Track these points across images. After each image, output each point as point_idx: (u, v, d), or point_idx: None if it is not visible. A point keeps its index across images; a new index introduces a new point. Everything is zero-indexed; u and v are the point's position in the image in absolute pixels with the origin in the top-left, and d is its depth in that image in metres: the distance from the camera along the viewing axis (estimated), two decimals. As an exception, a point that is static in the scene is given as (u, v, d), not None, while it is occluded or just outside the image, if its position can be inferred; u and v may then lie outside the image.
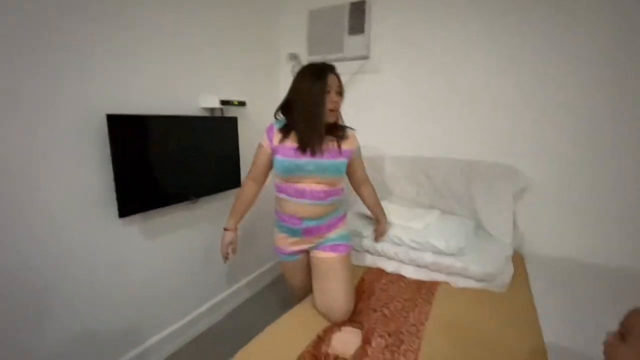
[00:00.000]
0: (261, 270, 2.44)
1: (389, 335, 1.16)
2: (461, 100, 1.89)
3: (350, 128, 1.43)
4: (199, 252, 1.90)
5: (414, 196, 1.98)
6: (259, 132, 2.10)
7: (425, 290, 1.46)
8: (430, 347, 1.11)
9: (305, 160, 1.29)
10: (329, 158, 1.32)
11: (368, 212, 1.71)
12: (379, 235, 1.65)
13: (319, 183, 1.32)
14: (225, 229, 1.45)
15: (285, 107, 1.36)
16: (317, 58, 2.19)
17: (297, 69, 2.29)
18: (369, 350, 1.09)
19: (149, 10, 1.50)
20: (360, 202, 1.66)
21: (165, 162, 1.57)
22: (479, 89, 1.84)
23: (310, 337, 1.16)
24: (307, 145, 1.28)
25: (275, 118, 1.40)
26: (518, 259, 1.71)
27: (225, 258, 1.46)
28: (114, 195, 1.38)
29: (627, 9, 1.50)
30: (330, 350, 1.09)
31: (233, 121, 1.95)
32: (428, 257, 1.55)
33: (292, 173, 1.31)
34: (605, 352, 0.64)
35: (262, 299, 2.30)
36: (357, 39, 2.06)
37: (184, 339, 1.84)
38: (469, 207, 1.82)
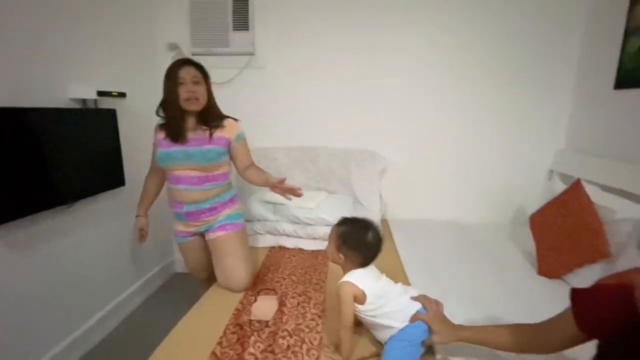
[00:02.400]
0: (154, 271, 2.32)
1: (299, 295, 1.39)
2: (334, 98, 2.25)
3: (233, 118, 1.53)
4: (83, 260, 1.71)
5: (304, 181, 2.25)
6: (144, 126, 2.01)
7: (321, 256, 1.75)
8: (332, 297, 1.38)
9: (174, 149, 1.42)
10: (196, 145, 1.42)
11: (269, 198, 1.88)
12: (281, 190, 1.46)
13: (192, 170, 1.43)
14: (135, 216, 1.62)
15: (161, 104, 1.45)
16: (201, 50, 2.20)
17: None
18: (286, 310, 1.29)
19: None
20: (262, 190, 1.82)
21: (29, 163, 1.36)
22: (348, 88, 2.23)
23: (229, 313, 1.27)
24: (171, 134, 1.42)
25: (157, 115, 1.47)
26: (384, 222, 2.20)
27: (140, 241, 1.63)
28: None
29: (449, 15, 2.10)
30: (252, 317, 1.24)
31: (111, 114, 1.79)
32: (321, 230, 1.85)
33: (165, 162, 1.44)
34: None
35: (161, 299, 2.21)
36: (243, 35, 2.17)
37: (78, 353, 1.66)
38: (347, 187, 2.21)
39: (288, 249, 1.86)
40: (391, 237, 2.03)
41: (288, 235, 1.92)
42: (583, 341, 0.73)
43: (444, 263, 1.66)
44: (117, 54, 1.92)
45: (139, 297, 2.15)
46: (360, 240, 1.09)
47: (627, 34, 1.70)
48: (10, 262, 1.35)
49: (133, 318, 2.00)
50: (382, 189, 2.30)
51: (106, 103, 1.80)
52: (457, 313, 1.12)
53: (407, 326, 1.00)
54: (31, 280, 1.44)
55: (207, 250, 1.59)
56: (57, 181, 1.48)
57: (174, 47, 2.26)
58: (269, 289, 1.45)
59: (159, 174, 1.59)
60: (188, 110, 1.41)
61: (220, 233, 1.51)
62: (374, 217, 2.01)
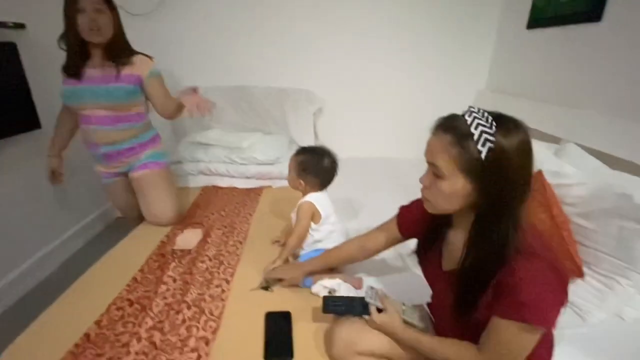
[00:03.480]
0: (93, 215, 2.31)
1: (225, 227, 1.49)
2: (269, 35, 2.17)
3: (145, 55, 1.45)
4: (1, 206, 1.65)
5: (240, 122, 2.25)
6: (52, 62, 1.84)
7: (253, 194, 1.84)
8: (256, 228, 1.50)
9: (80, 86, 1.34)
10: (102, 83, 1.35)
11: (201, 139, 1.89)
12: (190, 106, 1.42)
13: (101, 109, 1.37)
14: (47, 156, 1.55)
15: (61, 36, 1.34)
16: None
17: None
18: (209, 240, 1.39)
19: None
20: (194, 131, 1.80)
21: None
22: (284, 26, 2.14)
23: (154, 246, 1.35)
24: (71, 70, 1.34)
25: (60, 47, 1.36)
26: (320, 161, 2.31)
27: (54, 183, 1.59)
28: None
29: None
30: (175, 247, 1.33)
31: (9, 48, 1.62)
32: (253, 168, 1.92)
33: (71, 100, 1.38)
34: (371, 325, 0.84)
35: (103, 244, 2.23)
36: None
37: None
38: (283, 127, 2.24)
39: (221, 188, 1.92)
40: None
41: (221, 175, 1.97)
42: (400, 242, 0.98)
43: (380, 197, 1.74)
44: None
45: (76, 243, 2.14)
46: (317, 166, 1.21)
47: (541, -27, 1.76)
48: None
49: (70, 264, 1.99)
50: (318, 128, 2.37)
51: (4, 36, 1.61)
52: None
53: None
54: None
55: (131, 190, 1.61)
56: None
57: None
58: (196, 222, 1.53)
59: (72, 111, 1.50)
60: (90, 42, 1.31)
61: (142, 171, 1.53)
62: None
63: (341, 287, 1.07)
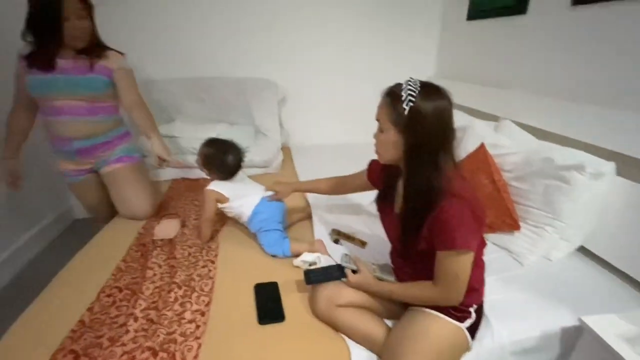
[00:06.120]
0: (49, 219, 2.19)
1: (201, 215, 1.52)
2: (226, 25, 2.18)
3: (117, 51, 1.46)
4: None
5: (202, 113, 2.24)
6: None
7: (224, 183, 1.88)
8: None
9: (53, 76, 1.31)
10: (77, 73, 1.35)
11: (168, 132, 1.88)
12: (155, 155, 1.50)
13: (77, 99, 1.36)
14: (2, 159, 1.45)
15: (28, 28, 1.28)
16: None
17: None
18: (187, 231, 1.42)
19: None
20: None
21: None
22: (239, 16, 2.17)
23: (132, 238, 1.36)
24: (41, 61, 1.30)
25: (24, 40, 1.30)
26: (286, 150, 2.39)
27: (12, 188, 1.49)
28: None
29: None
30: (155, 238, 1.35)
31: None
32: (222, 158, 1.94)
33: (42, 91, 1.34)
34: (349, 285, 0.96)
35: (62, 248, 2.14)
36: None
37: None
38: (247, 117, 2.28)
39: (191, 179, 1.93)
40: (292, 162, 2.23)
41: (190, 167, 1.97)
42: (369, 189, 1.17)
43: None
44: None
45: (32, 249, 2.03)
46: (220, 161, 1.31)
47: (476, -31, 1.97)
48: None
49: (26, 272, 1.89)
50: (283, 117, 2.43)
51: None
52: (343, 219, 1.39)
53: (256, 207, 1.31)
54: None
55: (102, 187, 1.58)
56: None
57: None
58: (171, 213, 1.55)
59: (27, 108, 1.43)
60: (72, 46, 1.31)
61: (116, 165, 1.51)
62: (275, 145, 2.17)
63: (320, 259, 1.19)
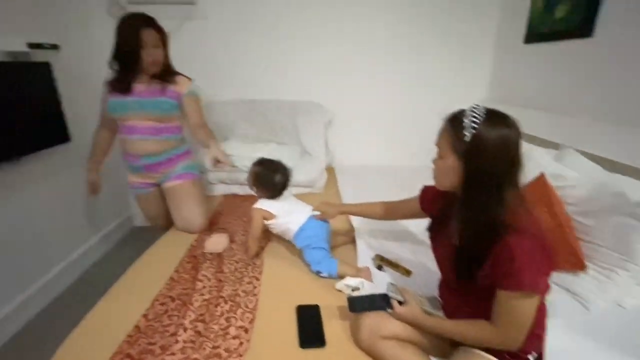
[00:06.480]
0: (112, 225, 2.40)
1: (248, 232, 1.57)
2: (281, 48, 2.31)
3: (186, 76, 1.61)
4: (33, 216, 1.75)
5: (254, 133, 2.36)
6: (83, 81, 1.98)
7: (270, 201, 1.94)
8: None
9: (127, 99, 1.49)
10: (149, 96, 1.50)
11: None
12: (212, 159, 1.55)
13: (146, 120, 1.51)
14: (87, 170, 1.68)
15: (114, 58, 1.48)
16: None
17: (114, 9, 2.18)
18: (234, 246, 1.48)
19: None
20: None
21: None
22: (294, 42, 2.29)
23: (185, 249, 1.44)
24: (121, 88, 1.48)
25: (111, 68, 1.51)
26: (330, 170, 2.41)
27: (92, 195, 1.71)
28: None
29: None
30: (205, 251, 1.42)
31: (45, 67, 1.74)
32: (269, 177, 2.02)
33: (119, 111, 1.51)
34: (395, 316, 0.93)
35: (121, 253, 2.33)
36: (181, -17, 2.11)
37: (32, 311, 1.72)
38: (295, 138, 2.36)
39: (240, 195, 2.03)
40: (336, 182, 2.25)
41: (240, 184, 2.07)
42: (419, 217, 1.16)
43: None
44: (47, 2, 1.82)
45: (97, 252, 2.24)
46: (269, 180, 1.37)
47: (536, -8, 1.90)
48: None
49: (91, 272, 2.08)
50: (328, 138, 2.48)
51: (39, 56, 1.74)
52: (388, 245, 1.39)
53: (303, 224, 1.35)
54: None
55: (163, 199, 1.72)
56: (3, 137, 1.48)
57: (107, -6, 2.14)
58: (221, 228, 1.63)
59: (109, 128, 1.64)
60: (147, 71, 1.48)
61: (177, 182, 1.64)
62: (320, 165, 2.21)
63: (364, 285, 1.17)
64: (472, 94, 2.40)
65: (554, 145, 1.63)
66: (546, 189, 1.29)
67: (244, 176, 2.02)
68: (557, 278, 1.21)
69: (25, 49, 1.62)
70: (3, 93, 1.51)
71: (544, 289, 0.74)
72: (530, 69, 2.02)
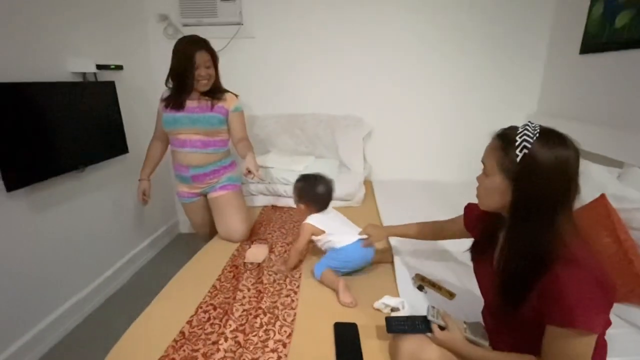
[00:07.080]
0: (160, 231, 2.56)
1: (287, 244, 1.61)
2: (321, 66, 2.36)
3: (233, 93, 1.72)
4: (94, 221, 1.92)
5: (293, 146, 2.42)
6: (141, 97, 2.15)
7: (308, 213, 1.96)
8: (312, 244, 1.60)
9: (181, 114, 1.60)
10: (199, 112, 1.61)
11: (262, 163, 2.07)
12: (247, 168, 1.59)
13: (196, 134, 1.62)
14: (139, 180, 1.78)
15: (170, 77, 1.62)
16: (191, 21, 2.28)
17: (169, 31, 2.36)
18: (273, 257, 1.51)
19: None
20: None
21: (45, 132, 1.52)
22: (334, 57, 2.33)
23: (227, 258, 1.50)
24: (175, 104, 1.60)
25: (167, 85, 1.65)
26: (368, 183, 2.40)
27: (142, 203, 1.79)
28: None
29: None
30: (245, 261, 1.46)
31: (110, 86, 1.93)
32: (308, 190, 2.05)
33: (172, 125, 1.63)
34: (435, 341, 0.89)
35: (167, 257, 2.46)
36: (230, 5, 2.24)
37: (89, 308, 1.86)
38: (333, 151, 2.38)
39: (279, 207, 2.07)
40: (374, 196, 2.23)
41: (279, 196, 2.12)
42: (465, 236, 1.09)
43: (420, 219, 1.82)
44: (111, 27, 2.02)
45: (147, 255, 2.39)
46: (312, 193, 1.38)
47: (593, 0, 1.79)
48: (31, 220, 1.54)
49: (142, 273, 2.24)
50: (367, 152, 2.47)
51: (105, 76, 1.92)
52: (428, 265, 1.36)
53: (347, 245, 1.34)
54: (50, 237, 1.64)
55: (208, 209, 1.82)
56: (68, 149, 1.65)
57: (164, 18, 2.33)
58: (261, 239, 1.67)
59: (162, 140, 1.78)
60: (198, 89, 1.60)
61: (221, 192, 1.73)
62: (358, 179, 2.20)
63: (404, 305, 1.14)
64: (520, 109, 2.29)
65: (617, 164, 1.50)
66: (607, 212, 1.18)
67: (283, 188, 2.09)
68: (620, 310, 1.10)
69: (94, 70, 1.80)
70: (74, 110, 1.69)
71: (601, 327, 0.67)
72: (586, 81, 1.89)
